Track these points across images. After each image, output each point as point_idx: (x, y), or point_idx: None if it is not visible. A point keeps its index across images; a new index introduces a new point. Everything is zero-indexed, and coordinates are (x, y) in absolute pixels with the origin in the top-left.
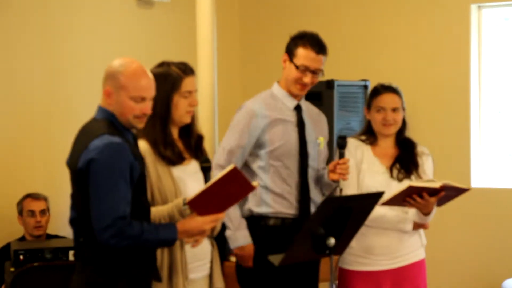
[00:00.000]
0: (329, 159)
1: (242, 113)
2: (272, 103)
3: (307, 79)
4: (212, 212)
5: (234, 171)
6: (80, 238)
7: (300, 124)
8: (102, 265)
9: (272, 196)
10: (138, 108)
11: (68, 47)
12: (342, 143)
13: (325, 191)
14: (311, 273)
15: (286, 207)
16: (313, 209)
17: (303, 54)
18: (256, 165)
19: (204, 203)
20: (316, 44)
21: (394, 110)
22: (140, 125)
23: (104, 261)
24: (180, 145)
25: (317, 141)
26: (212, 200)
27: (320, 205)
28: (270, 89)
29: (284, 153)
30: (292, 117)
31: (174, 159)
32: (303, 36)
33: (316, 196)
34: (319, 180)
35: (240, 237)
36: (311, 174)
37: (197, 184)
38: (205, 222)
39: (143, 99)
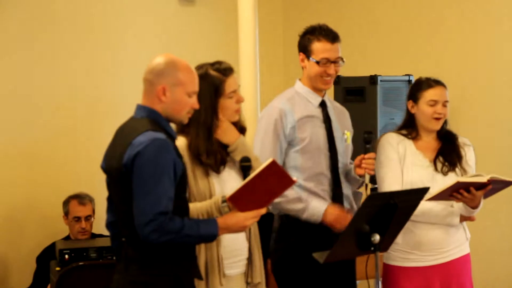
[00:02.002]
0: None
1: (271, 114)
2: (297, 101)
3: (331, 70)
4: (253, 208)
5: (273, 164)
6: (122, 239)
7: (327, 120)
8: (145, 264)
9: (307, 194)
10: (190, 104)
11: (111, 47)
12: (369, 138)
13: (351, 186)
14: (348, 271)
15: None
16: (346, 204)
17: (319, 48)
18: (288, 164)
19: (244, 199)
20: (328, 34)
21: (445, 104)
22: (187, 120)
23: (147, 260)
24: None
25: (344, 136)
26: (252, 195)
27: (365, 201)
28: (293, 88)
29: (314, 150)
30: (318, 113)
31: (217, 169)
32: (313, 30)
33: (348, 191)
34: (346, 175)
35: (314, 209)
36: (341, 169)
37: (236, 184)
38: (247, 218)
39: (195, 93)
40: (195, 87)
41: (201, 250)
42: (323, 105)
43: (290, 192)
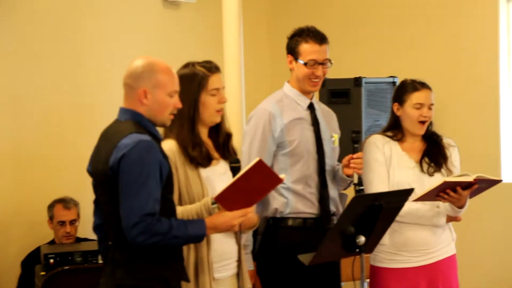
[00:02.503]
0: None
1: (260, 116)
2: (286, 104)
3: (318, 72)
4: (241, 207)
5: (260, 163)
6: (109, 242)
7: (315, 123)
8: (132, 267)
9: (294, 196)
10: (172, 104)
11: (95, 50)
12: (356, 138)
13: (339, 186)
14: (333, 273)
15: (308, 207)
16: (332, 207)
17: (307, 49)
18: (276, 167)
19: (232, 198)
20: (316, 35)
21: (430, 107)
22: (170, 122)
23: (134, 263)
24: (209, 145)
25: (332, 139)
26: (240, 194)
27: (350, 203)
28: (281, 90)
29: (302, 152)
30: (306, 116)
31: (201, 161)
32: (301, 32)
33: (334, 194)
34: (334, 176)
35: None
36: (328, 172)
37: (225, 185)
38: (234, 217)
39: (176, 92)
40: (175, 86)
41: (191, 252)
42: (311, 107)
43: None
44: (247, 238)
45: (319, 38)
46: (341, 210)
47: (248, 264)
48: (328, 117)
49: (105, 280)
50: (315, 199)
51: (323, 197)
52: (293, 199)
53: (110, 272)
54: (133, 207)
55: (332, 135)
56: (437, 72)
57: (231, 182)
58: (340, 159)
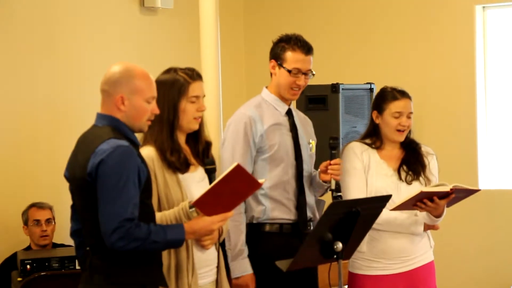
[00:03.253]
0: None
1: (240, 121)
2: (265, 109)
3: (301, 81)
4: (220, 212)
5: (238, 168)
6: (86, 248)
7: (294, 129)
8: (110, 273)
9: (271, 203)
10: (149, 110)
11: (72, 55)
12: (334, 144)
13: (316, 192)
14: (311, 279)
15: (285, 213)
16: (308, 213)
17: (293, 58)
18: (255, 172)
19: (210, 203)
20: (303, 45)
21: (409, 115)
22: (147, 127)
23: (112, 269)
24: (187, 151)
25: (309, 145)
26: (218, 199)
27: (327, 209)
28: (260, 95)
29: (282, 158)
30: (285, 121)
31: (180, 166)
32: (288, 39)
33: (311, 200)
34: (311, 182)
35: (236, 268)
36: (306, 178)
37: (204, 190)
38: (213, 222)
39: (153, 98)
40: (153, 92)
41: (172, 258)
42: (289, 113)
43: None
44: (242, 242)
45: (306, 48)
46: (317, 216)
47: (246, 269)
48: (305, 124)
49: (82, 286)
50: (292, 205)
51: (300, 203)
52: (270, 205)
53: (87, 278)
54: (112, 212)
55: (309, 142)
56: (414, 79)
57: (209, 187)
58: (317, 165)
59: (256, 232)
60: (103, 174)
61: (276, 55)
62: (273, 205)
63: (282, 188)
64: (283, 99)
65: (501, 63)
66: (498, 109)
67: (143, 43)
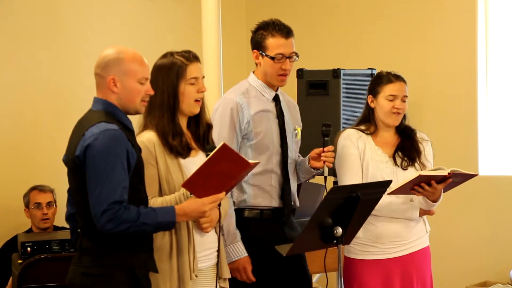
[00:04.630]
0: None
1: (226, 105)
2: (252, 95)
3: (287, 65)
4: (211, 193)
5: (224, 147)
6: (78, 230)
7: (280, 115)
8: (98, 255)
9: (253, 190)
10: (143, 90)
11: (73, 40)
12: (326, 131)
13: (302, 178)
14: (300, 266)
15: (267, 200)
16: (292, 202)
17: (274, 43)
18: None
19: (200, 185)
20: (282, 29)
21: (404, 99)
22: (143, 109)
23: (101, 251)
24: (188, 135)
25: (295, 132)
26: (208, 180)
27: (328, 194)
28: (246, 80)
29: (267, 145)
30: (272, 108)
31: (181, 151)
32: (266, 25)
33: (294, 188)
34: (295, 169)
35: (230, 252)
36: (290, 165)
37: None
38: (204, 203)
39: (146, 79)
40: (145, 73)
41: (173, 239)
42: (276, 99)
43: None
44: (233, 226)
45: (285, 31)
46: (297, 203)
47: (240, 253)
48: (292, 109)
49: (72, 267)
50: (275, 193)
51: (285, 191)
52: (252, 192)
53: (77, 260)
54: (101, 195)
55: (295, 128)
56: (415, 65)
57: (197, 168)
58: (306, 151)
59: (247, 220)
60: (91, 158)
61: (257, 44)
62: (255, 192)
63: (266, 175)
64: (270, 85)
65: (503, 49)
66: (499, 96)
67: (144, 28)
